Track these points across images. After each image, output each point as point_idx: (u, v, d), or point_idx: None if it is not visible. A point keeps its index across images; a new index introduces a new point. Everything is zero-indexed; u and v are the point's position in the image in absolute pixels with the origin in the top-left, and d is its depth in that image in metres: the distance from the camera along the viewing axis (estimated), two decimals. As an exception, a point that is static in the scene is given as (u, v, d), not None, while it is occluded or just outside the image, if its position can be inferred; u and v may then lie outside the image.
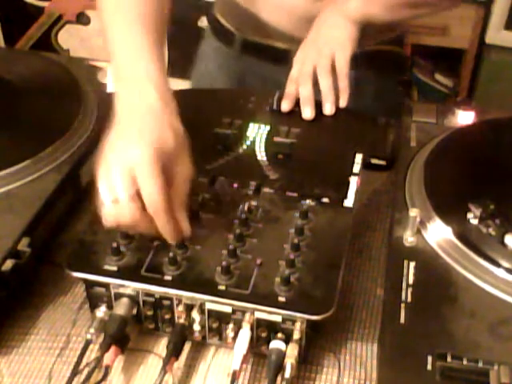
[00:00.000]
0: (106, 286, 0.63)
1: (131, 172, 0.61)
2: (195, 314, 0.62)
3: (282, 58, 0.93)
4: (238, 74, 1.10)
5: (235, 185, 0.73)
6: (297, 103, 0.86)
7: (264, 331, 0.62)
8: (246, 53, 1.08)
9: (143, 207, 0.61)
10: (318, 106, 0.86)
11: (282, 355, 0.60)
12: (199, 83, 1.18)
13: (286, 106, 0.86)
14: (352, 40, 0.87)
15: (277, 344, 0.61)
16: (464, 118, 0.84)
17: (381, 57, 1.05)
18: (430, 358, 0.55)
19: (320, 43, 0.88)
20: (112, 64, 0.73)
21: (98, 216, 0.62)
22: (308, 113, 0.85)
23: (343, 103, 0.86)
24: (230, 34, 1.08)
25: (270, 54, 1.03)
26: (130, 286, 0.63)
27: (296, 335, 0.60)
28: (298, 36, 0.95)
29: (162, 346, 0.66)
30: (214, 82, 1.12)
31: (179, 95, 0.91)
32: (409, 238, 0.67)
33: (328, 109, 0.85)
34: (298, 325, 0.60)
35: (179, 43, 2.24)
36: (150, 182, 0.61)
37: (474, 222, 0.66)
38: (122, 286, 0.63)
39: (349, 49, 0.87)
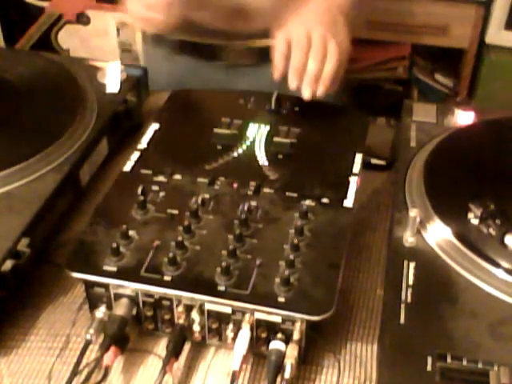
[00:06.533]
0: (106, 286, 0.63)
1: None
2: (195, 315, 0.62)
3: (213, 55, 0.91)
4: (175, 75, 1.09)
5: (235, 185, 0.73)
6: (296, 102, 0.86)
7: (264, 332, 0.62)
8: (178, 53, 1.07)
9: None
10: (318, 106, 0.86)
11: (281, 356, 0.60)
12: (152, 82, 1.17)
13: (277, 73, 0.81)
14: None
15: (276, 344, 0.61)
16: (464, 117, 0.84)
17: None
18: (429, 359, 0.55)
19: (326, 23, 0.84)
20: None
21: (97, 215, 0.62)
22: (294, 83, 0.80)
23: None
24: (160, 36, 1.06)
25: (201, 51, 1.02)
26: (130, 287, 0.63)
27: (296, 336, 0.60)
28: (219, 30, 0.94)
29: (161, 347, 0.66)
30: (157, 83, 1.08)
31: (179, 95, 0.92)
32: (409, 238, 0.67)
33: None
34: (297, 325, 0.60)
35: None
36: None
37: (475, 222, 0.66)
38: (122, 286, 0.63)
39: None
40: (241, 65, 0.92)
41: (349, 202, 0.71)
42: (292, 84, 0.80)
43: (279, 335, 0.61)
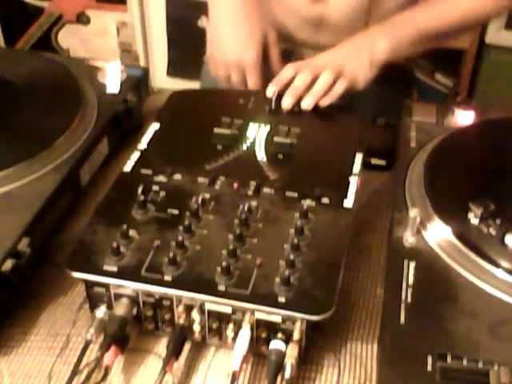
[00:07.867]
0: (106, 286, 0.63)
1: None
2: (195, 315, 0.62)
3: (283, 58, 0.93)
4: None
5: (235, 185, 0.73)
6: (296, 103, 0.86)
7: (264, 331, 0.62)
8: None
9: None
10: (319, 106, 0.86)
11: (281, 355, 0.60)
12: (209, 83, 1.17)
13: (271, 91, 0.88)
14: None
15: (277, 344, 0.61)
16: (464, 117, 0.84)
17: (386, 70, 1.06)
18: (430, 359, 0.55)
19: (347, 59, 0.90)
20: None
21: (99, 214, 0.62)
22: (288, 102, 0.86)
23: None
24: None
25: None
26: (130, 287, 0.63)
27: (296, 335, 0.60)
28: (299, 37, 0.96)
29: (161, 346, 0.66)
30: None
31: (179, 95, 0.92)
32: (409, 238, 0.67)
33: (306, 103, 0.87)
34: (297, 325, 0.60)
35: (179, 43, 2.24)
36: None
37: (475, 221, 0.66)
38: (122, 286, 0.63)
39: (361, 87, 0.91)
40: None
41: (349, 202, 0.71)
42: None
43: (279, 335, 0.61)
